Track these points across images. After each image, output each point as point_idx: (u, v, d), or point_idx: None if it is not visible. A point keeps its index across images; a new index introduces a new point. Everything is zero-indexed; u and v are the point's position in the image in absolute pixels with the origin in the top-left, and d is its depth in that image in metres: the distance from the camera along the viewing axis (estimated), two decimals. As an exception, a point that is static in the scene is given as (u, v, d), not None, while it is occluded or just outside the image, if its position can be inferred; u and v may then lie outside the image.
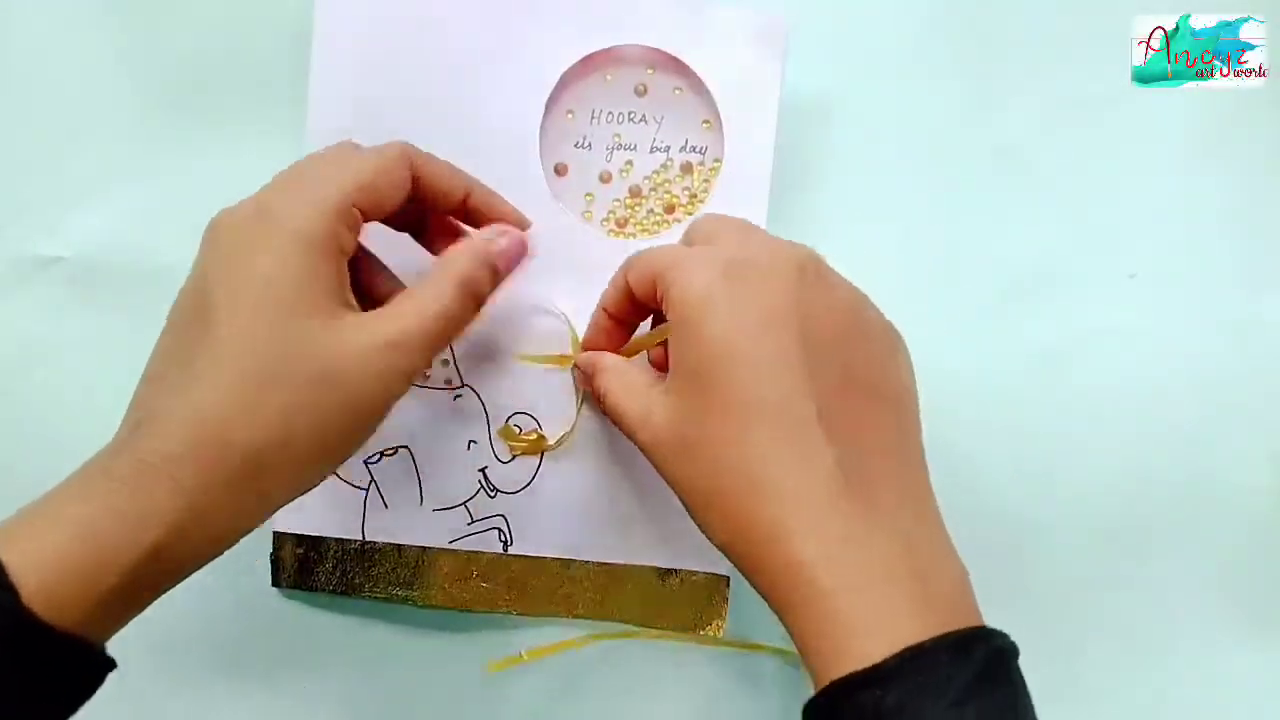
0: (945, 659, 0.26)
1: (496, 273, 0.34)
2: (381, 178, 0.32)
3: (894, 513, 0.29)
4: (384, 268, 0.37)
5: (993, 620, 0.42)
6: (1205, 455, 0.42)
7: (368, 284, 0.36)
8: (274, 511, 0.31)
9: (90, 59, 0.42)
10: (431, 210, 0.37)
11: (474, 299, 0.33)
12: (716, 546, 0.31)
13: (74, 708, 0.28)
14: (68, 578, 0.26)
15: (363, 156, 0.33)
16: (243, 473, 0.29)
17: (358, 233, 0.32)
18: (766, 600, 0.29)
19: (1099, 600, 0.42)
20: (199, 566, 0.29)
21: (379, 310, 0.32)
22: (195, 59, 0.42)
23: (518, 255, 0.36)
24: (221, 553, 0.30)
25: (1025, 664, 0.42)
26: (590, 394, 0.39)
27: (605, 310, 0.37)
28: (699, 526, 0.31)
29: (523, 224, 0.37)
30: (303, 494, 0.31)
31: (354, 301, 0.32)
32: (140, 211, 0.42)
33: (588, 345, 0.38)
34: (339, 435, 0.31)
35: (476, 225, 0.37)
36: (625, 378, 0.35)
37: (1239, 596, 0.42)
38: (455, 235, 0.37)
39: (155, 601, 0.29)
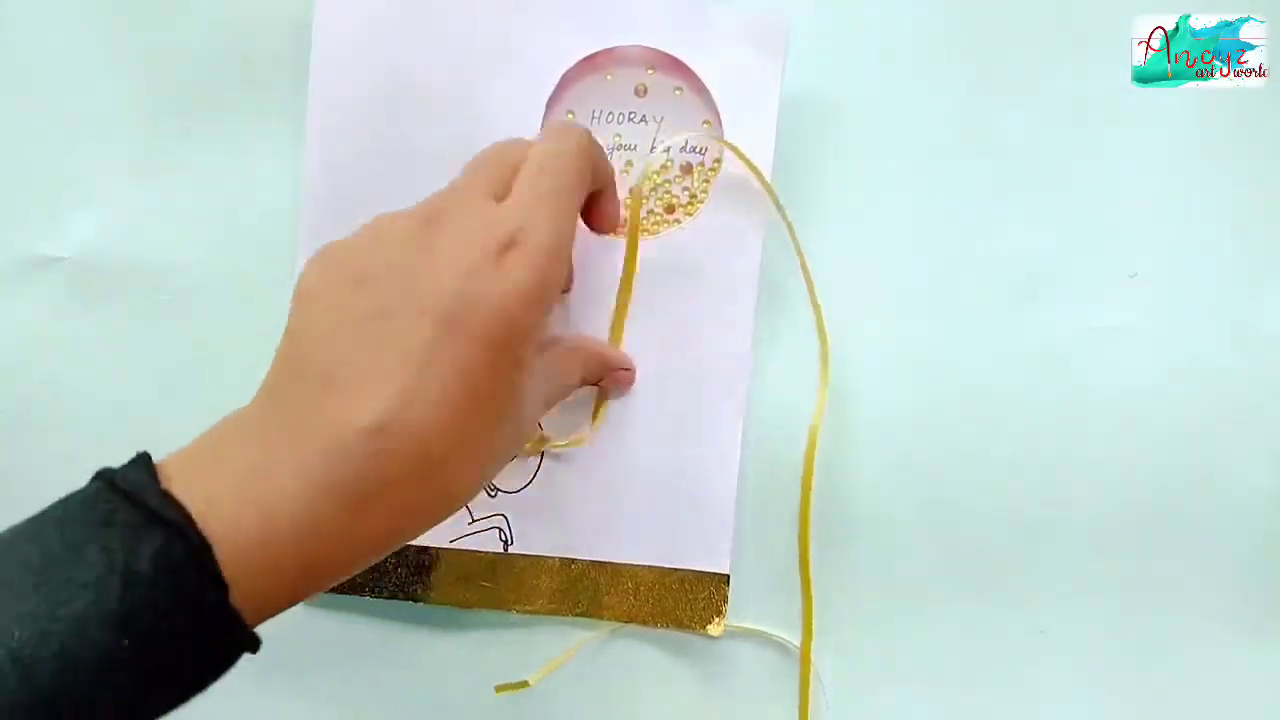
0: None
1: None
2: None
3: None
4: None
5: (993, 620, 0.42)
6: (1206, 455, 0.42)
7: None
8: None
9: (91, 58, 0.42)
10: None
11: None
12: None
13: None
14: (271, 577, 0.26)
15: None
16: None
17: None
18: None
19: (1099, 600, 0.42)
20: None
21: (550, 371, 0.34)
22: (195, 59, 0.42)
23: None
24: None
25: (1024, 662, 0.42)
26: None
27: None
28: None
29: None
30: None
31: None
32: (140, 211, 0.42)
33: None
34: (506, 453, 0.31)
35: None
36: None
37: (1239, 596, 0.42)
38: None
39: None
